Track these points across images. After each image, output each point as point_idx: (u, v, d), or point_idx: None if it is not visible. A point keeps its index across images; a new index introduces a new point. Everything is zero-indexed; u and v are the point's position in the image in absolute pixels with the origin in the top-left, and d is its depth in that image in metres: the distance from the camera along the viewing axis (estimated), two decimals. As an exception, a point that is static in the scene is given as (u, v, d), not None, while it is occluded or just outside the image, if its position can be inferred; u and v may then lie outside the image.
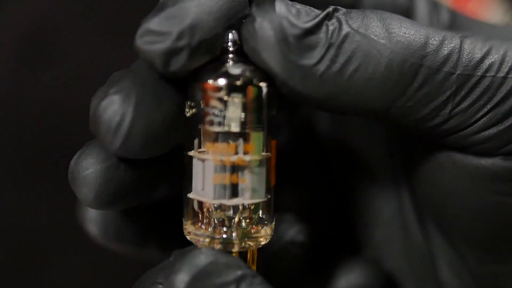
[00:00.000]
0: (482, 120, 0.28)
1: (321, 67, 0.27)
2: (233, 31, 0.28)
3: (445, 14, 0.32)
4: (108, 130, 0.27)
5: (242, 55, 0.28)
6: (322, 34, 0.27)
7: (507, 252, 0.32)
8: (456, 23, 0.32)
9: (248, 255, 0.29)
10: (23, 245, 0.63)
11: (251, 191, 0.28)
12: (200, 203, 0.29)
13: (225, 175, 0.28)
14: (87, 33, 0.62)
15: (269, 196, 0.29)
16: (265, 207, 0.29)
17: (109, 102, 0.27)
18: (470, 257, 0.33)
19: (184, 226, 0.29)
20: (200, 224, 0.29)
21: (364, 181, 0.35)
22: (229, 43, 0.28)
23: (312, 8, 0.28)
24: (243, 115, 0.28)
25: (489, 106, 0.28)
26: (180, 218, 0.29)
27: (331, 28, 0.27)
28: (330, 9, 0.28)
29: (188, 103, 0.28)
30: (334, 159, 0.36)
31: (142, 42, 0.27)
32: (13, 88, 0.62)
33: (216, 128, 0.28)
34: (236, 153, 0.28)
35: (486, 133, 0.29)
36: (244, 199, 0.28)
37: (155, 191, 0.31)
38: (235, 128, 0.28)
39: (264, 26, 0.27)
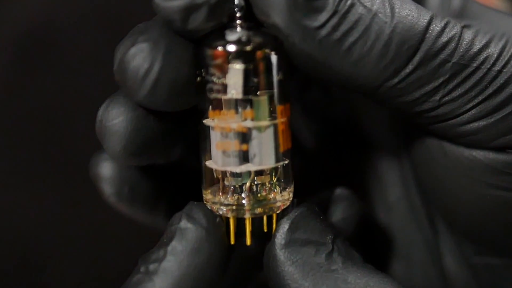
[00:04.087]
0: (471, 111, 0.28)
1: (323, 32, 0.27)
2: None
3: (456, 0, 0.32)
4: (135, 78, 0.27)
5: (248, 21, 0.28)
6: (330, 0, 0.27)
7: (502, 245, 0.32)
8: (467, 9, 0.32)
9: (265, 221, 0.29)
10: (23, 245, 0.63)
11: (259, 157, 0.28)
12: (215, 170, 0.28)
13: (228, 142, 0.28)
14: (87, 33, 0.62)
15: (284, 162, 0.28)
16: (281, 172, 0.28)
17: (138, 49, 0.27)
18: (467, 248, 0.33)
19: (203, 195, 0.29)
20: (216, 191, 0.29)
21: (370, 162, 0.35)
22: (235, 9, 0.27)
23: None
24: (243, 81, 0.27)
25: (480, 98, 0.28)
26: (187, 184, 0.29)
27: None
28: None
29: (196, 70, 0.28)
30: (343, 137, 0.36)
31: None
32: (13, 88, 0.62)
33: (218, 95, 0.28)
34: (245, 119, 0.28)
35: (475, 124, 0.28)
36: (253, 166, 0.28)
37: (175, 149, 0.30)
38: (236, 94, 0.27)
39: None
